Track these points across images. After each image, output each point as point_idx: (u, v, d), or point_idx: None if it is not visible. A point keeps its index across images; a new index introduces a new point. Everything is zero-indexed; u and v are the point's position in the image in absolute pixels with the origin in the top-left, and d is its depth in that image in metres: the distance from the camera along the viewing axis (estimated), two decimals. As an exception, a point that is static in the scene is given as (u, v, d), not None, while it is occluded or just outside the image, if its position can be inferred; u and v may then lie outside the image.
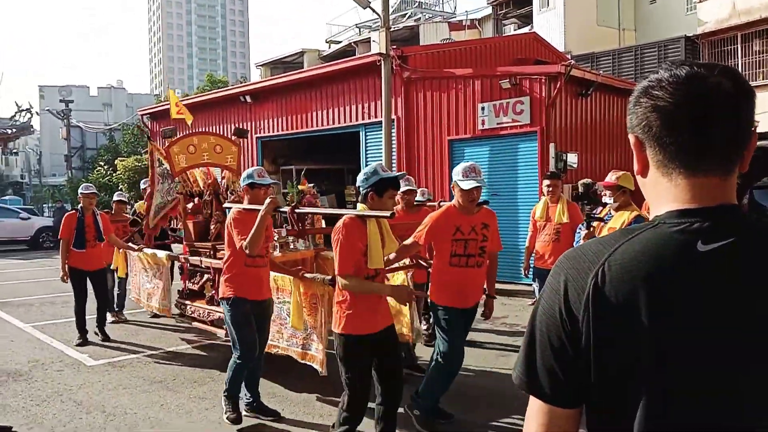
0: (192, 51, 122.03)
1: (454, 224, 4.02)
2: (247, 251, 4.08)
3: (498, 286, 9.07)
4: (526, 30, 20.45)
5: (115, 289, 8.08)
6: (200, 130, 17.52)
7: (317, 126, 14.25)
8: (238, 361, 4.33)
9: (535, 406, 1.09)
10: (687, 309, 0.95)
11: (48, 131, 57.29)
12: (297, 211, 4.46)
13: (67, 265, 6.96)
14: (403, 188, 5.95)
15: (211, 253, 6.06)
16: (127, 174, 21.15)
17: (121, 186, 21.15)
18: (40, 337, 7.31)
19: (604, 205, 5.65)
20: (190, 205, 6.81)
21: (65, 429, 4.42)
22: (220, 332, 5.70)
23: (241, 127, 7.35)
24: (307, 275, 4.84)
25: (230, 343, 4.55)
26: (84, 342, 6.86)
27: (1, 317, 8.61)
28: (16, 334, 7.58)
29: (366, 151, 13.19)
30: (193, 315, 6.20)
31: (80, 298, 7.02)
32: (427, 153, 11.81)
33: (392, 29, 12.43)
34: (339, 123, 13.68)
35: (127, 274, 7.66)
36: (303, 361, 4.87)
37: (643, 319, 0.95)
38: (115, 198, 8.65)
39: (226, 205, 5.17)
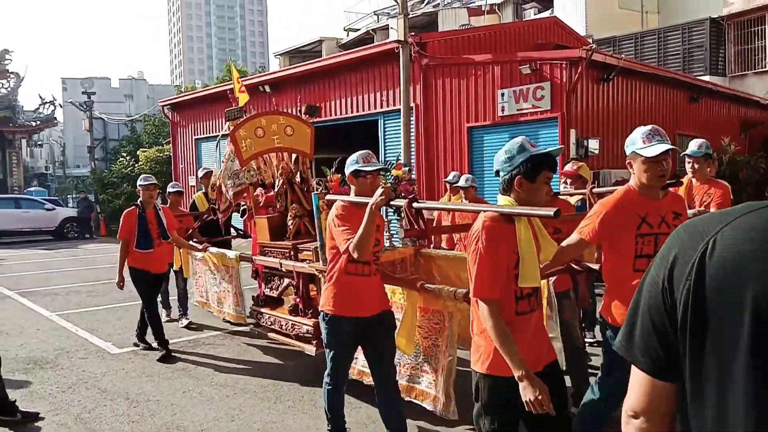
0: (211, 41, 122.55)
1: (637, 213, 2.92)
2: (354, 254, 3.23)
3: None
4: (546, 14, 20.14)
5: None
6: (216, 121, 17.74)
7: (336, 115, 14.23)
8: (328, 383, 3.65)
9: (636, 374, 1.10)
10: None
11: (71, 123, 58.06)
12: (415, 205, 3.46)
13: (130, 267, 6.05)
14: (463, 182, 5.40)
15: (292, 254, 5.14)
16: (149, 164, 21.35)
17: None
18: (66, 326, 7.44)
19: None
20: (252, 191, 5.86)
21: (90, 416, 4.50)
22: (309, 348, 4.83)
23: (313, 104, 6.17)
24: (429, 286, 3.77)
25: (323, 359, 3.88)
26: (168, 354, 5.87)
27: (27, 306, 8.79)
28: (43, 322, 7.72)
29: (385, 139, 13.15)
30: (272, 326, 5.35)
31: (152, 303, 6.05)
32: (447, 141, 11.73)
33: (410, 16, 12.33)
34: (357, 111, 13.65)
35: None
36: (408, 398, 3.89)
37: (748, 292, 0.92)
38: (170, 189, 7.53)
39: (329, 197, 4.18)
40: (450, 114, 11.67)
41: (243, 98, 6.77)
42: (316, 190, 4.19)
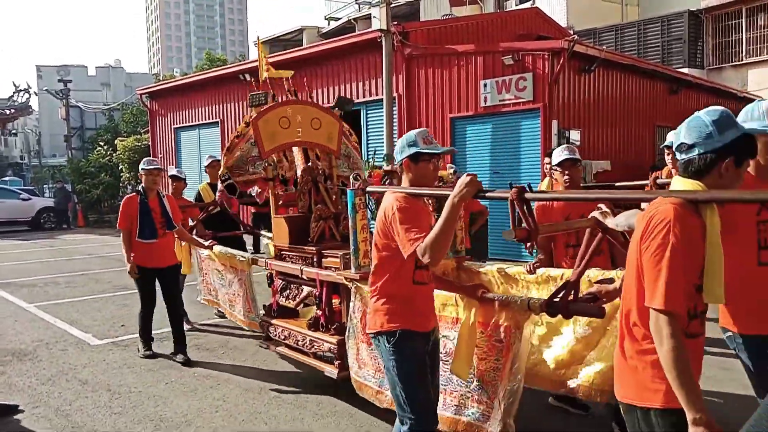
0: (190, 29, 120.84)
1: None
2: (425, 259, 2.54)
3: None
4: (528, 5, 20.19)
5: None
6: (196, 110, 17.55)
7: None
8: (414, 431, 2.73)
9: None
10: None
11: (47, 112, 57.06)
12: (528, 195, 2.42)
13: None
14: (562, 157, 4.10)
15: (316, 260, 4.45)
16: (127, 154, 21.03)
17: (121, 166, 21.06)
18: (44, 317, 7.33)
19: None
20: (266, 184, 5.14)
21: (71, 408, 4.44)
22: (330, 369, 4.21)
23: (344, 96, 5.09)
24: (489, 295, 3.02)
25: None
26: (152, 354, 5.56)
27: (4, 298, 8.64)
28: (20, 314, 7.60)
29: (367, 129, 13.11)
30: (285, 340, 4.76)
31: (147, 302, 5.63)
32: (429, 130, 11.72)
33: (393, 5, 12.27)
34: (339, 101, 13.57)
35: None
36: None
37: None
38: (170, 173, 7.01)
39: (374, 189, 3.61)
40: (433, 104, 11.67)
41: (285, 73, 5.92)
42: (352, 185, 3.48)
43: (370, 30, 12.31)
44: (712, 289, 1.86)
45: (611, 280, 2.67)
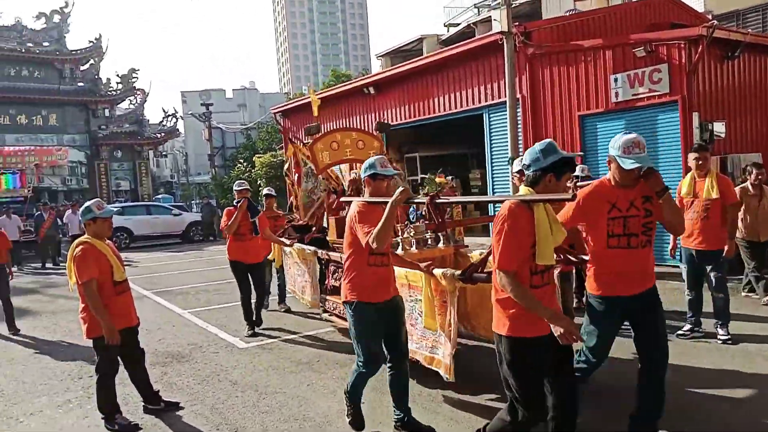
0: (316, 48, 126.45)
1: (608, 201, 3.46)
2: (374, 245, 3.57)
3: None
4: (659, -8, 18.93)
5: (275, 280, 8.46)
6: (327, 125, 18.27)
7: (439, 112, 14.22)
8: (361, 370, 3.95)
9: None
10: None
11: (192, 133, 62.03)
12: (437, 201, 3.86)
13: (229, 260, 7.17)
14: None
15: None
16: (264, 169, 22.41)
17: (259, 181, 22.43)
18: (197, 322, 8.00)
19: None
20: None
21: (224, 406, 4.82)
22: None
23: (361, 125, 7.56)
24: (437, 270, 4.30)
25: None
26: (254, 334, 7.00)
27: (163, 305, 9.54)
28: (176, 319, 8.35)
29: (490, 133, 12.98)
30: (334, 311, 6.20)
31: (244, 290, 7.12)
32: (556, 131, 11.38)
33: (513, 5, 12.04)
34: (461, 107, 13.57)
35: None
36: (429, 366, 4.53)
37: None
38: (264, 192, 8.86)
39: (343, 199, 5.10)
40: (559, 103, 11.31)
41: (315, 103, 8.08)
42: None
43: (490, 33, 12.21)
44: (542, 254, 2.86)
45: None
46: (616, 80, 10.19)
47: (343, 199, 5.39)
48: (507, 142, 11.76)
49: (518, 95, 11.69)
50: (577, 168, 6.02)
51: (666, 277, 8.85)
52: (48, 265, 16.63)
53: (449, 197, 4.88)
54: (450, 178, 8.82)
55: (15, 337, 7.82)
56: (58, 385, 5.62)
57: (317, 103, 8.14)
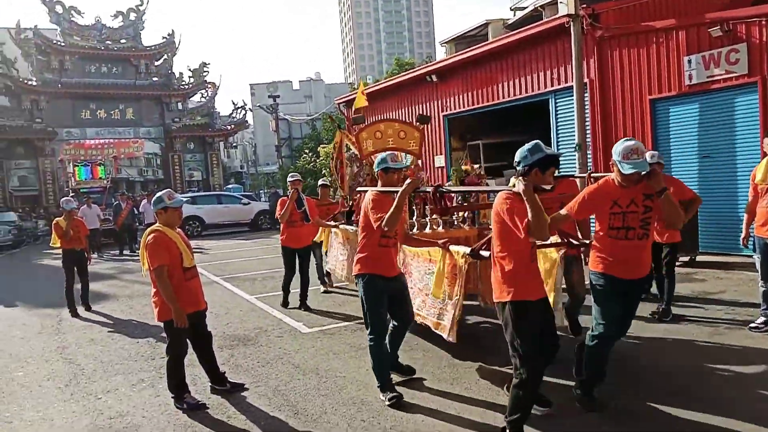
0: (380, 37, 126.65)
1: (610, 198, 3.78)
2: (385, 228, 4.22)
3: (712, 258, 8.44)
4: (741, -34, 17.85)
5: (324, 262, 8.95)
6: (388, 114, 18.32)
7: (504, 98, 14.00)
8: (371, 343, 4.51)
9: None
10: None
11: (260, 125, 63.70)
12: (441, 190, 4.57)
13: (282, 246, 8.16)
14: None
15: None
16: (328, 159, 22.71)
17: (324, 171, 22.79)
18: (263, 307, 8.25)
19: None
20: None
21: (286, 388, 4.96)
22: None
23: (423, 113, 8.28)
24: (453, 247, 4.87)
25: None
26: (286, 304, 8.03)
27: (231, 290, 9.89)
28: (244, 304, 8.64)
29: (557, 119, 12.67)
30: None
31: (289, 270, 8.12)
32: (626, 116, 10.98)
33: (581, -13, 11.65)
34: (526, 93, 13.30)
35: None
36: (436, 331, 5.02)
37: None
38: (319, 183, 9.79)
39: (359, 189, 5.71)
40: (629, 87, 10.90)
41: (360, 102, 9.35)
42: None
43: (557, 16, 11.86)
44: (534, 232, 3.27)
45: None
46: (689, 62, 9.72)
47: (359, 189, 6.03)
48: (574, 127, 11.44)
49: (586, 79, 11.34)
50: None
51: (737, 267, 8.45)
52: (125, 252, 17.48)
53: (451, 187, 5.57)
54: (477, 166, 9.74)
55: (96, 319, 8.32)
56: (133, 365, 5.94)
57: (363, 100, 9.38)
